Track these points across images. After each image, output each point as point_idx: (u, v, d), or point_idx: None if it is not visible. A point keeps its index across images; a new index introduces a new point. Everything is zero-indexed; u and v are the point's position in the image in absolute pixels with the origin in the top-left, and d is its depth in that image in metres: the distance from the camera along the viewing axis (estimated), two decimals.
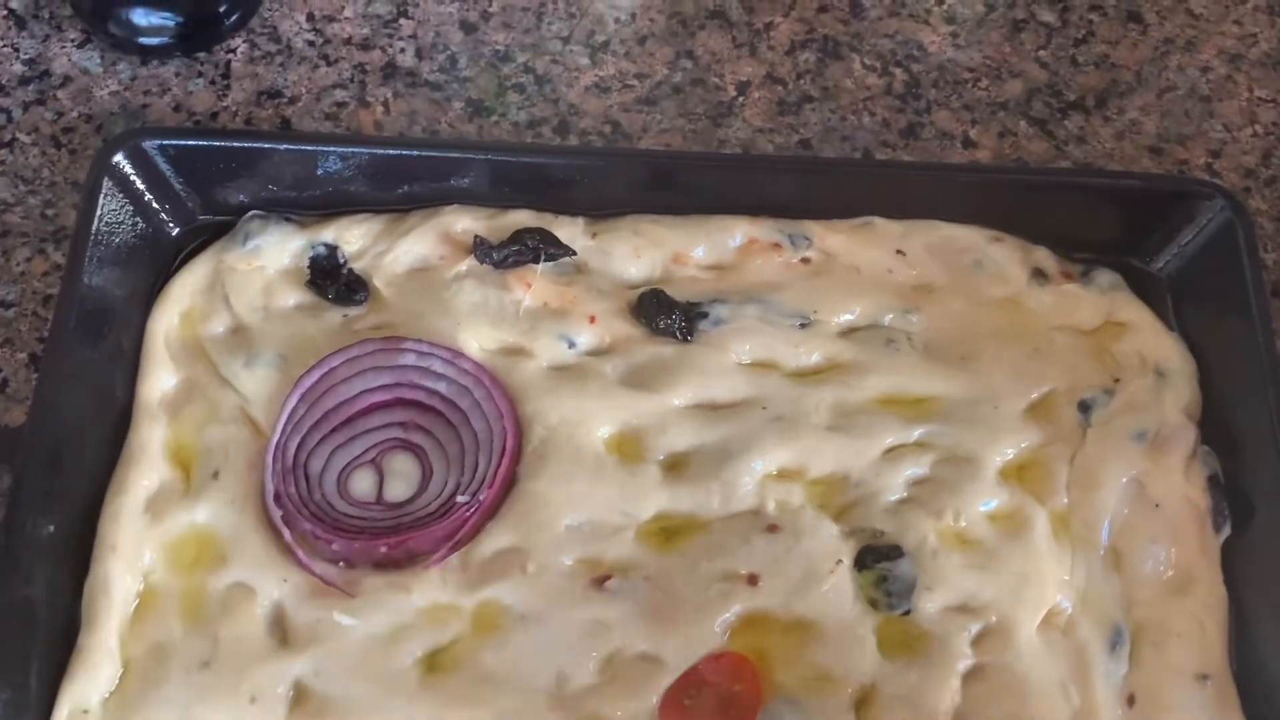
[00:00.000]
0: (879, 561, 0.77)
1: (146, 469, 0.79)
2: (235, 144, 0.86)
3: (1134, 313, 0.86)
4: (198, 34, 0.98)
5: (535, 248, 0.85)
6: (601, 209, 0.88)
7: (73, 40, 0.99)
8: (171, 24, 0.97)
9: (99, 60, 0.98)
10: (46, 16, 1.00)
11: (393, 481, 0.79)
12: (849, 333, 0.86)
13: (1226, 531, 0.79)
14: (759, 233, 0.88)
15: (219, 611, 0.75)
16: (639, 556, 0.77)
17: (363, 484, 0.79)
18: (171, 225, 0.87)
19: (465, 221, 0.87)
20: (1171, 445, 0.81)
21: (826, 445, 0.81)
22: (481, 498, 0.77)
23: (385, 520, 0.77)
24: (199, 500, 0.78)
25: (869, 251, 0.88)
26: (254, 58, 0.99)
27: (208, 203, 0.87)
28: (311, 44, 1.00)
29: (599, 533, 0.77)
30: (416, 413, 0.81)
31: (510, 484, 0.78)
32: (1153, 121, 1.00)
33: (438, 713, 0.73)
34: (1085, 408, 0.83)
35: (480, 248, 0.85)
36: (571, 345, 0.83)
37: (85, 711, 0.72)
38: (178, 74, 0.98)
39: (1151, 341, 0.85)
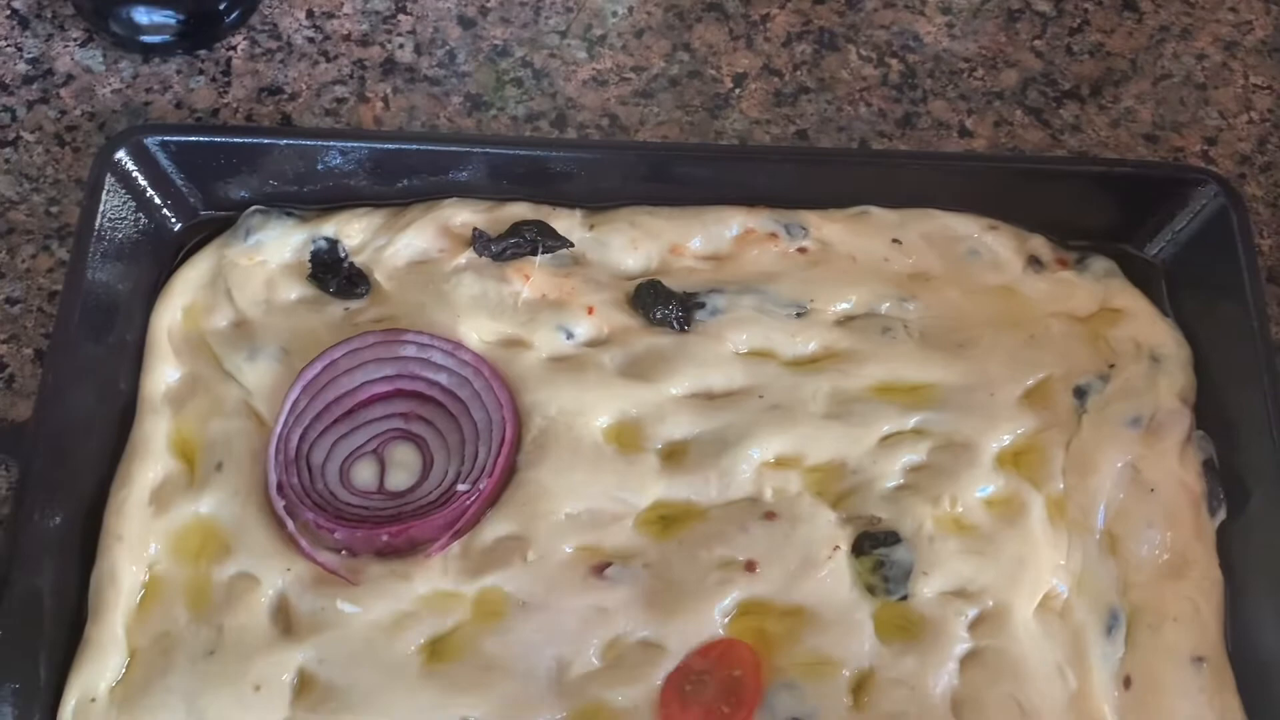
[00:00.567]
0: (876, 547, 0.78)
1: (151, 461, 0.80)
2: (236, 140, 0.87)
3: (1129, 299, 0.87)
4: (199, 32, 0.99)
5: (533, 240, 0.86)
6: (599, 201, 0.89)
7: (75, 39, 1.00)
8: (173, 22, 0.98)
9: (101, 59, 0.99)
10: (49, 16, 1.01)
11: (394, 471, 0.80)
12: (845, 321, 0.87)
13: (1221, 515, 0.80)
14: (755, 223, 0.88)
15: (223, 601, 0.76)
16: (638, 544, 0.78)
17: (365, 474, 0.80)
18: (174, 221, 0.88)
19: (464, 214, 0.87)
20: (1166, 430, 0.82)
21: (824, 433, 0.81)
22: (482, 486, 0.77)
23: (387, 509, 0.78)
24: (203, 492, 0.79)
25: (865, 240, 0.89)
26: (254, 55, 1.00)
27: (209, 198, 0.88)
28: (311, 40, 1.01)
29: (598, 521, 0.78)
30: (417, 403, 0.81)
31: (510, 473, 0.79)
32: (1148, 109, 1.00)
33: (440, 699, 0.73)
34: (1081, 393, 0.84)
35: (479, 240, 0.86)
36: (570, 336, 0.84)
37: (93, 700, 0.73)
38: (179, 71, 0.99)
39: (1146, 327, 0.86)
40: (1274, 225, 0.96)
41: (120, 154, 0.84)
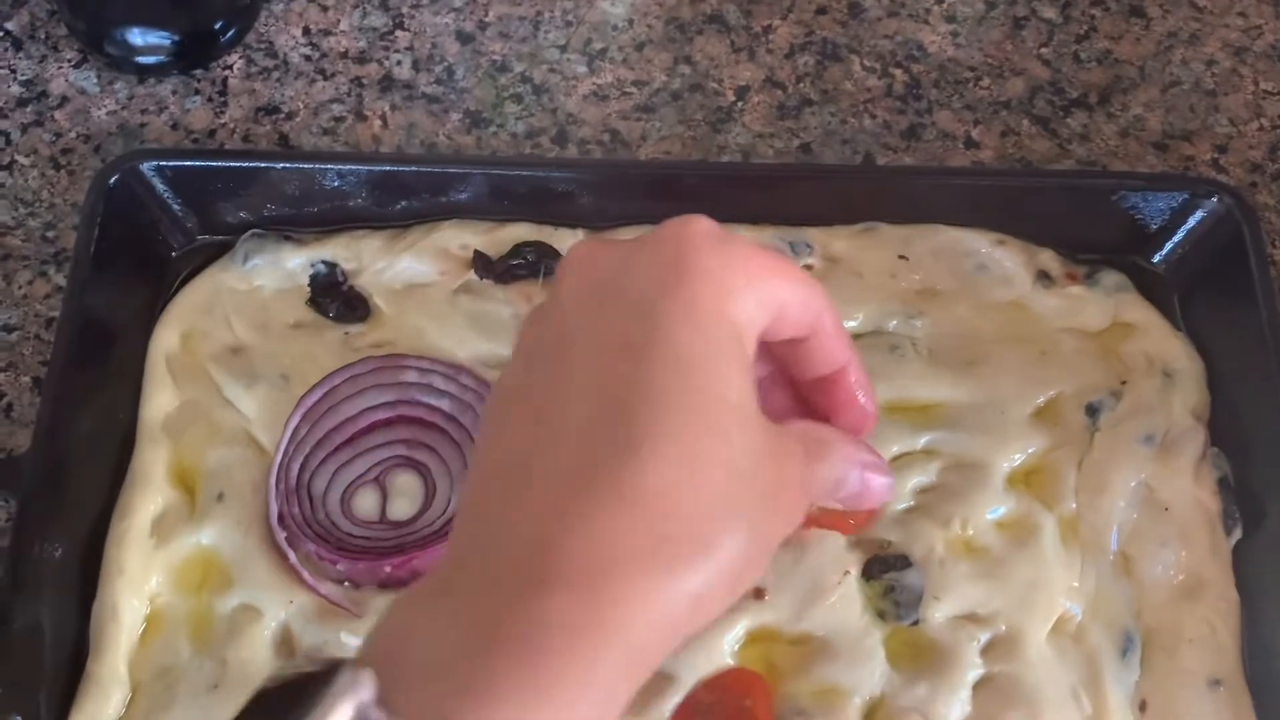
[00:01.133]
0: (886, 572, 0.77)
1: (151, 492, 0.79)
2: (232, 164, 0.86)
3: (1140, 313, 0.86)
4: (194, 51, 0.98)
5: (534, 262, 0.85)
6: (601, 220, 0.87)
7: (69, 60, 0.99)
8: (168, 43, 0.96)
9: (96, 80, 0.98)
10: (43, 37, 1.00)
11: (396, 500, 0.79)
12: (853, 338, 0.85)
13: (1237, 534, 0.79)
14: (761, 240, 0.87)
15: (226, 634, 0.75)
16: None
17: (366, 503, 0.79)
18: (171, 246, 0.87)
19: (464, 236, 0.86)
20: (1180, 448, 0.80)
21: None
22: None
23: (389, 539, 0.77)
24: (204, 522, 0.78)
25: (872, 256, 0.87)
26: (251, 73, 0.99)
27: (207, 222, 0.87)
28: (308, 58, 1.00)
29: None
30: (419, 430, 0.80)
31: None
32: (1157, 117, 0.99)
33: None
34: (1093, 411, 0.83)
35: (479, 263, 0.85)
36: None
37: None
38: (175, 92, 0.98)
39: (1159, 342, 0.85)
40: None
41: (115, 180, 0.83)
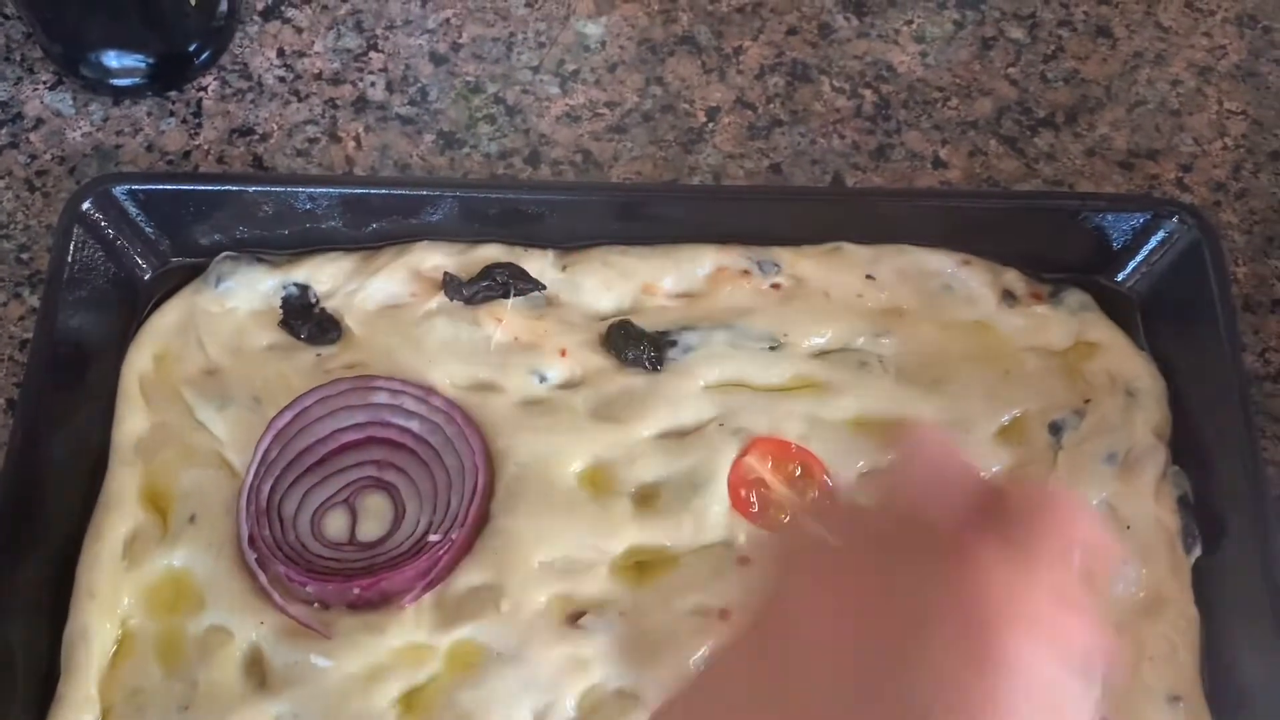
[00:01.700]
0: None
1: (123, 514, 0.79)
2: (204, 187, 0.87)
3: (1104, 333, 0.87)
4: (169, 73, 0.98)
5: (505, 283, 0.86)
6: (571, 241, 0.88)
7: (45, 83, 0.99)
8: (143, 65, 0.97)
9: (71, 102, 0.99)
10: (19, 59, 1.00)
11: (366, 521, 0.79)
12: (820, 355, 0.86)
13: (1197, 552, 0.80)
14: (728, 260, 0.88)
15: (197, 655, 0.76)
16: (613, 592, 0.77)
17: (336, 524, 0.79)
18: (144, 269, 0.88)
19: (435, 258, 0.87)
20: (1142, 466, 0.82)
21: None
22: (454, 536, 0.77)
23: (359, 561, 0.78)
24: (176, 544, 0.79)
25: (839, 276, 0.88)
26: (225, 95, 0.99)
27: (179, 245, 0.88)
28: (282, 80, 1.00)
29: (572, 569, 0.78)
30: (389, 451, 0.81)
31: (483, 521, 0.79)
32: (1123, 136, 1.00)
33: None
34: (1056, 429, 0.84)
35: (450, 284, 0.85)
36: (543, 379, 0.84)
37: None
38: (149, 114, 0.98)
39: (1121, 361, 0.86)
40: (1249, 253, 0.95)
41: (87, 204, 0.84)
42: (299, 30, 1.03)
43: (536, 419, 0.82)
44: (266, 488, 0.79)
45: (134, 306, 0.87)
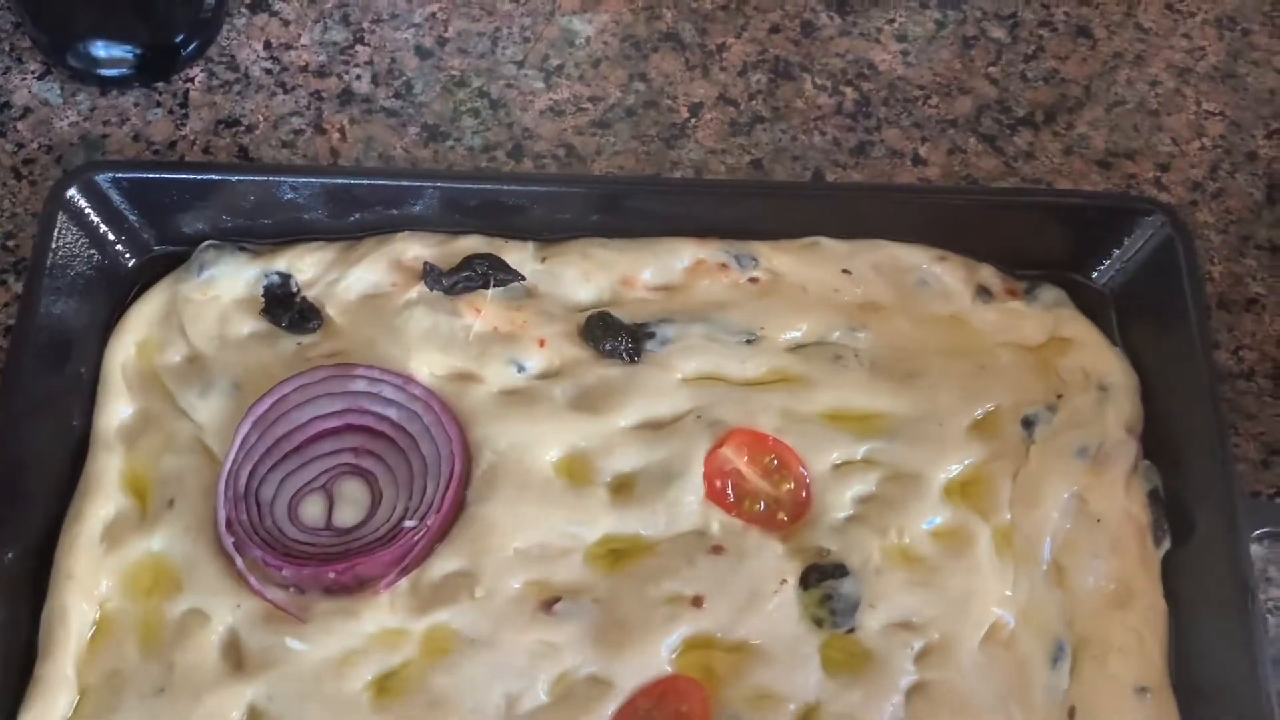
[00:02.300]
0: (824, 580, 0.78)
1: (103, 498, 0.80)
2: (187, 176, 0.87)
3: (1077, 329, 0.88)
4: (156, 64, 0.99)
5: (485, 273, 0.86)
6: (551, 233, 0.89)
7: (33, 72, 1.00)
8: (130, 55, 0.98)
9: (59, 91, 0.99)
10: (7, 49, 1.01)
11: (342, 507, 0.80)
12: (796, 349, 0.87)
13: (1166, 545, 0.80)
14: (706, 254, 0.89)
15: (174, 638, 0.77)
16: (587, 579, 0.78)
17: (313, 510, 0.80)
18: (127, 256, 0.88)
19: (416, 248, 0.88)
20: (1113, 461, 0.82)
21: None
22: (429, 522, 0.78)
23: (335, 546, 0.78)
24: (155, 529, 0.79)
25: (816, 271, 0.89)
26: (212, 86, 1.00)
27: (163, 233, 0.89)
28: (269, 72, 1.01)
29: (547, 555, 0.78)
30: (367, 438, 0.82)
31: (459, 508, 0.80)
32: (1101, 136, 1.01)
33: None
34: (1029, 424, 0.84)
35: (430, 274, 0.86)
36: (521, 370, 0.85)
37: None
38: (136, 104, 0.99)
39: (1094, 357, 0.86)
40: (1224, 252, 0.96)
41: (71, 191, 0.85)
42: (286, 23, 1.03)
43: (515, 408, 0.83)
44: (245, 473, 0.80)
45: (117, 294, 0.88)
